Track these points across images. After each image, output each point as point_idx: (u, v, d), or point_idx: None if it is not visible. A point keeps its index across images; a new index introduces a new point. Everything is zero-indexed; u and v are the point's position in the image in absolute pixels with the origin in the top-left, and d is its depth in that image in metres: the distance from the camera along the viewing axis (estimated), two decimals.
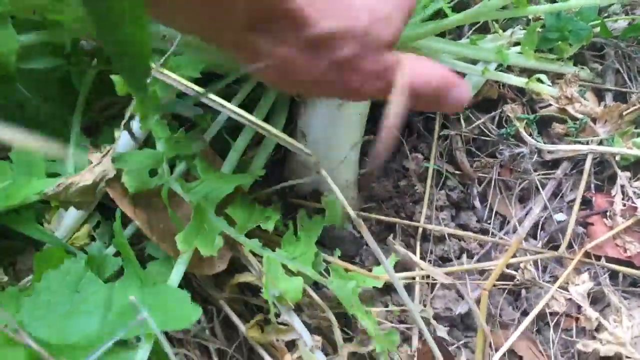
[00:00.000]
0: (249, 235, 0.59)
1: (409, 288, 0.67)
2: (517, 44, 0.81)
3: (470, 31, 0.87)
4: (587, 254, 0.68)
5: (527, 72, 0.79)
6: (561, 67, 0.80)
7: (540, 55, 0.80)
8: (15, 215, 0.62)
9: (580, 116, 0.75)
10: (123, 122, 0.60)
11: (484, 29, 0.88)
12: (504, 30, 0.83)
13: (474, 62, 0.79)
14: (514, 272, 0.66)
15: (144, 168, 0.59)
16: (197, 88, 0.58)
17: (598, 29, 0.81)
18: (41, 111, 0.73)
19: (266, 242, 0.60)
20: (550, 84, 0.79)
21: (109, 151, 0.60)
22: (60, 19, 0.61)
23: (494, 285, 0.67)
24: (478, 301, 0.64)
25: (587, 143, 0.74)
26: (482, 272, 0.68)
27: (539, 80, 0.77)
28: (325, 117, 0.71)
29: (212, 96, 0.57)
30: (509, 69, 0.81)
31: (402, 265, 0.68)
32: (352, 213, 0.55)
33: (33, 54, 0.69)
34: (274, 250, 0.59)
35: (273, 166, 0.75)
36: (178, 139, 0.62)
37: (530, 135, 0.75)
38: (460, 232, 0.68)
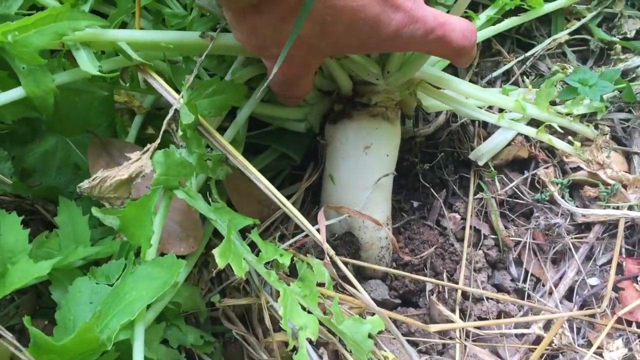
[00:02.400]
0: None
1: (447, 348, 0.70)
2: (553, 103, 0.84)
3: (487, 77, 0.90)
4: (619, 319, 0.71)
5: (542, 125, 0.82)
6: (570, 122, 0.82)
7: (555, 109, 0.83)
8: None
9: (611, 182, 0.78)
10: (163, 128, 0.61)
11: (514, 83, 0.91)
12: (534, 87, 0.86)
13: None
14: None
15: (175, 174, 0.60)
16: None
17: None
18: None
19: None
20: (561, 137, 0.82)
21: (149, 149, 0.60)
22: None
23: (530, 350, 0.70)
24: None
25: (618, 208, 0.77)
26: (519, 336, 0.71)
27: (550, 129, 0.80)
28: (352, 160, 0.73)
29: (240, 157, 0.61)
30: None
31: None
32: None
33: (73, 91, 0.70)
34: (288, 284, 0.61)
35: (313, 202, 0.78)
36: (212, 158, 0.64)
37: (563, 197, 0.78)
38: (499, 296, 0.71)
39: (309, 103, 0.77)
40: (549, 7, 0.87)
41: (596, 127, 0.84)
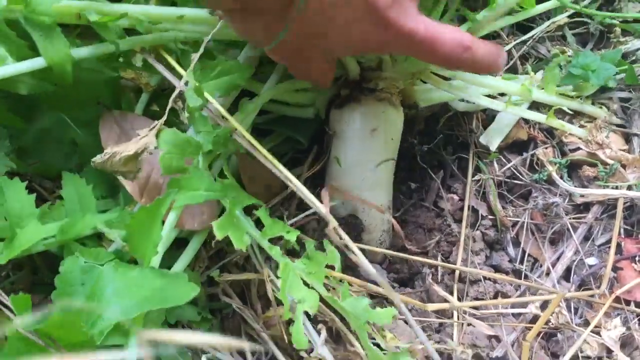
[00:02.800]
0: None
1: (444, 326, 0.70)
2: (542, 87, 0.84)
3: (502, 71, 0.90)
4: (617, 298, 0.70)
5: (549, 110, 0.82)
6: (581, 104, 0.82)
7: (562, 92, 0.83)
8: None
9: (610, 161, 0.77)
10: (169, 106, 0.62)
11: (514, 70, 0.91)
12: (535, 72, 0.86)
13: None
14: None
15: (181, 153, 0.60)
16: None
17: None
18: (91, 147, 0.76)
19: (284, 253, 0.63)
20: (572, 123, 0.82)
21: (155, 125, 0.61)
22: (106, 21, 0.62)
23: (527, 328, 0.70)
24: (513, 344, 0.66)
25: (617, 188, 0.76)
26: (516, 315, 0.70)
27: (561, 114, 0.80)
28: (358, 142, 0.73)
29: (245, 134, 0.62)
30: (537, 110, 0.84)
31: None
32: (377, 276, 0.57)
33: (86, 68, 0.70)
34: (292, 261, 0.61)
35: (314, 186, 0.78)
36: (218, 136, 0.64)
37: (562, 178, 0.78)
38: (496, 276, 0.71)
39: (316, 88, 0.77)
40: (540, 8, 0.86)
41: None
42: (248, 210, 0.64)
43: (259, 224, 0.64)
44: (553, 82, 0.81)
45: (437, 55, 0.57)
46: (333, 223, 0.61)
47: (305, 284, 0.59)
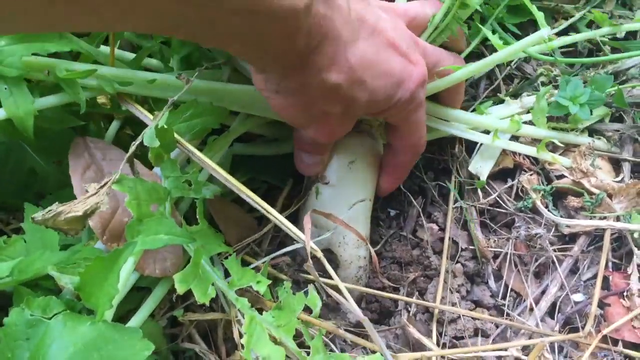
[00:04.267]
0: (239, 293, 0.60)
1: None
2: (529, 111, 0.80)
3: (485, 93, 0.86)
4: (604, 338, 0.66)
5: (540, 141, 0.78)
6: (576, 137, 0.79)
7: (554, 125, 0.79)
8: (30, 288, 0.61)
9: (595, 190, 0.74)
10: (127, 155, 0.59)
11: (498, 91, 0.87)
12: (516, 96, 0.82)
13: (487, 131, 0.78)
14: (526, 358, 0.65)
15: (145, 199, 0.58)
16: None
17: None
18: (52, 176, 0.72)
19: (254, 306, 0.59)
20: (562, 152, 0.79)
21: (106, 183, 0.58)
22: (73, 77, 0.61)
23: None
24: None
25: (604, 218, 0.72)
26: (498, 357, 0.66)
27: (552, 148, 0.77)
28: (336, 175, 0.71)
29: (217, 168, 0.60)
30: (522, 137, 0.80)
31: (413, 345, 0.67)
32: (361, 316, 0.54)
33: (48, 117, 0.68)
34: (260, 313, 0.58)
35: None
36: (188, 181, 0.62)
37: (547, 207, 0.74)
38: (476, 315, 0.67)
39: None
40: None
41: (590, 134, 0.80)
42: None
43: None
44: (542, 115, 0.77)
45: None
46: (317, 253, 0.59)
47: (275, 338, 0.55)
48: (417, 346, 0.67)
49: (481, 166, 0.77)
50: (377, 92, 0.57)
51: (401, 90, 0.59)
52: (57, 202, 0.54)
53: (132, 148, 0.59)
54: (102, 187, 0.57)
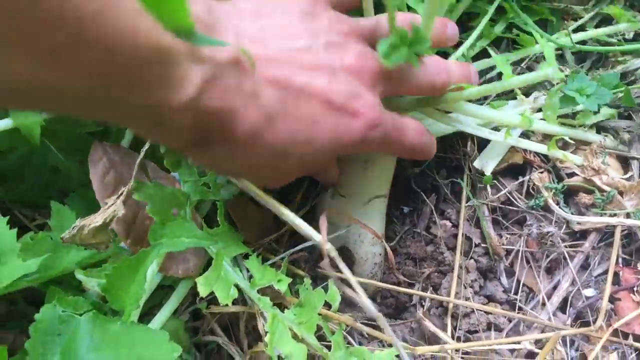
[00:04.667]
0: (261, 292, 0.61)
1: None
2: (540, 109, 0.82)
3: (482, 78, 0.87)
4: (614, 331, 0.68)
5: (550, 138, 0.80)
6: (585, 133, 0.80)
7: (564, 122, 0.81)
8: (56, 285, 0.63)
9: (606, 188, 0.75)
10: (137, 160, 0.61)
11: (509, 90, 0.88)
12: (527, 96, 0.84)
13: (497, 128, 0.80)
14: (540, 351, 0.67)
15: (166, 205, 0.60)
16: None
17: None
18: (75, 174, 0.74)
19: (275, 302, 0.61)
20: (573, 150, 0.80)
21: (122, 192, 0.61)
22: None
23: None
24: None
25: (615, 215, 0.74)
26: (511, 350, 0.68)
27: (562, 145, 0.78)
28: (351, 175, 0.72)
29: None
30: (533, 134, 0.81)
31: (428, 338, 0.69)
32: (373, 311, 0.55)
33: (67, 121, 0.70)
34: (282, 311, 0.60)
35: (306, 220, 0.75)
36: (206, 183, 0.64)
37: (558, 204, 0.76)
38: (489, 309, 0.68)
39: None
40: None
41: (598, 132, 0.82)
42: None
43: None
44: (554, 112, 0.79)
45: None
46: (332, 252, 0.60)
47: (296, 335, 0.57)
48: (433, 339, 0.68)
49: (487, 162, 0.78)
50: (309, 160, 0.52)
51: (345, 145, 0.53)
52: (79, 218, 0.57)
53: (142, 153, 0.61)
54: (118, 197, 0.59)
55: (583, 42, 0.88)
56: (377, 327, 0.67)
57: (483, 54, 0.85)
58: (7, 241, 0.58)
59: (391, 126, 0.56)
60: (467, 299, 0.72)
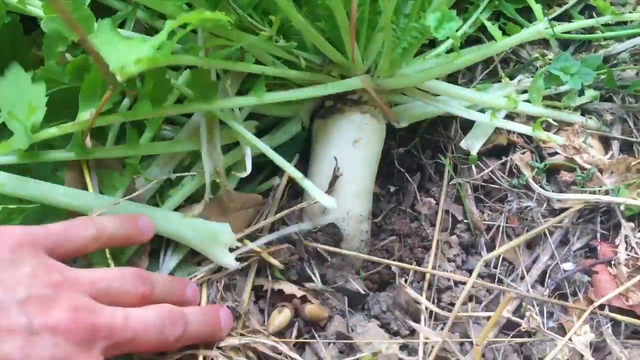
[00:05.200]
0: None
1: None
2: (524, 92, 0.84)
3: (481, 76, 0.90)
4: (590, 302, 0.70)
5: (534, 120, 0.82)
6: (569, 115, 0.83)
7: (549, 103, 0.83)
8: None
9: (587, 166, 0.77)
10: None
11: (494, 74, 0.91)
12: (511, 79, 0.86)
13: (483, 110, 0.82)
14: (519, 320, 0.69)
15: None
16: None
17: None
18: None
19: None
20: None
21: None
22: None
23: (501, 332, 0.70)
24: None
25: (595, 193, 0.76)
26: (489, 318, 0.70)
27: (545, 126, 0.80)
28: (341, 153, 0.74)
29: None
30: (517, 116, 0.84)
31: (408, 310, 0.71)
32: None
33: None
34: None
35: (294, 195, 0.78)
36: None
37: (539, 183, 0.78)
38: (467, 279, 0.71)
39: (299, 100, 0.78)
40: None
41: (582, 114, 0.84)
42: None
43: None
44: (539, 94, 0.81)
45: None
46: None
47: None
48: (412, 310, 0.70)
49: (472, 142, 0.81)
50: None
51: None
52: None
53: None
54: None
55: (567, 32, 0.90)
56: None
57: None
58: None
59: None
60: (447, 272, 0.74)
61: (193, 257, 0.69)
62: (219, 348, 0.60)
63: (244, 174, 0.68)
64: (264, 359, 0.63)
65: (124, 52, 0.49)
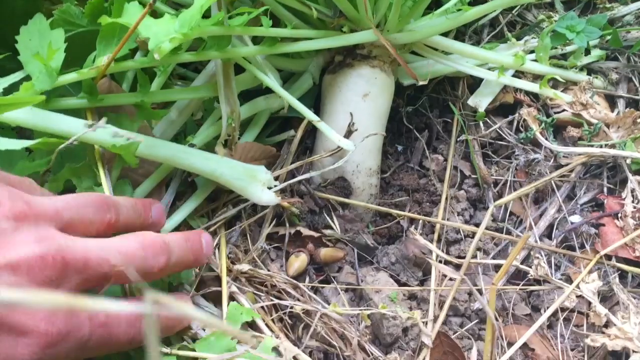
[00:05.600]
0: None
1: (427, 281, 0.71)
2: (531, 52, 0.85)
3: (488, 37, 0.91)
4: (597, 253, 0.71)
5: (541, 79, 0.83)
6: (575, 74, 0.84)
7: (555, 62, 0.84)
8: None
9: (594, 121, 0.78)
10: None
11: (501, 36, 0.91)
12: (518, 39, 0.87)
13: (490, 70, 0.83)
14: (527, 269, 0.70)
15: None
16: None
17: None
18: None
19: None
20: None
21: None
22: None
23: (509, 282, 0.71)
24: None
25: (601, 147, 0.77)
26: (497, 269, 0.71)
27: (553, 82, 0.81)
28: (350, 106, 0.74)
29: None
30: (524, 76, 0.84)
31: (417, 262, 0.72)
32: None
33: None
34: None
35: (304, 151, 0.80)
36: None
37: (546, 138, 0.79)
38: (475, 229, 0.71)
39: (310, 55, 0.80)
40: None
41: (588, 73, 0.85)
42: None
43: None
44: (545, 52, 0.82)
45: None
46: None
47: None
48: (421, 262, 0.71)
49: (480, 100, 0.81)
50: None
51: None
52: None
53: None
54: None
55: None
56: None
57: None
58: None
59: (89, 331, 0.43)
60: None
61: (207, 205, 0.70)
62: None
63: None
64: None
65: (156, 31, 0.50)
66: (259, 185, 0.64)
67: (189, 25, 0.54)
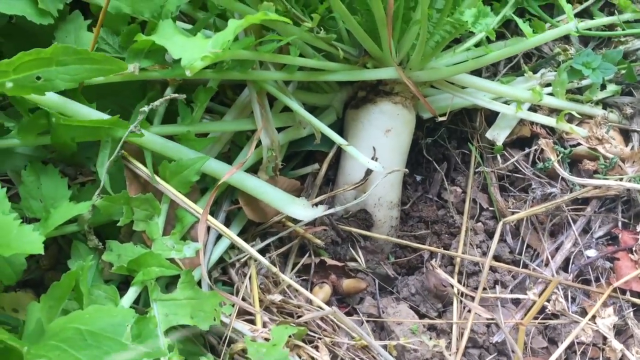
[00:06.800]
0: None
1: (446, 313, 0.73)
2: (547, 85, 0.87)
3: (505, 69, 0.93)
4: (613, 288, 0.73)
5: (557, 112, 0.85)
6: (591, 108, 0.86)
7: (571, 97, 0.86)
8: None
9: (610, 155, 0.80)
10: None
11: (517, 68, 0.94)
12: (534, 72, 0.89)
13: (507, 103, 0.85)
14: (545, 303, 0.72)
15: None
16: None
17: None
18: None
19: None
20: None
21: None
22: None
23: (526, 314, 0.73)
24: (510, 330, 0.69)
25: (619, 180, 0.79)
26: (516, 303, 0.73)
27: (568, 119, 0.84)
28: (373, 141, 0.76)
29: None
30: (540, 109, 0.87)
31: (437, 294, 0.74)
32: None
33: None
34: None
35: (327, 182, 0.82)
36: None
37: (563, 171, 0.81)
38: (495, 264, 0.74)
39: (334, 90, 0.82)
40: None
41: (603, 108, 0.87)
42: None
43: None
44: (562, 87, 0.84)
45: None
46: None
47: None
48: (440, 293, 0.73)
49: (498, 133, 0.84)
50: None
51: None
52: None
53: None
54: None
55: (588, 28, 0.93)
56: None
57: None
58: (58, 188, 0.65)
59: None
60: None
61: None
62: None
63: None
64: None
65: (189, 49, 0.53)
66: (299, 205, 0.70)
67: (222, 45, 0.56)
